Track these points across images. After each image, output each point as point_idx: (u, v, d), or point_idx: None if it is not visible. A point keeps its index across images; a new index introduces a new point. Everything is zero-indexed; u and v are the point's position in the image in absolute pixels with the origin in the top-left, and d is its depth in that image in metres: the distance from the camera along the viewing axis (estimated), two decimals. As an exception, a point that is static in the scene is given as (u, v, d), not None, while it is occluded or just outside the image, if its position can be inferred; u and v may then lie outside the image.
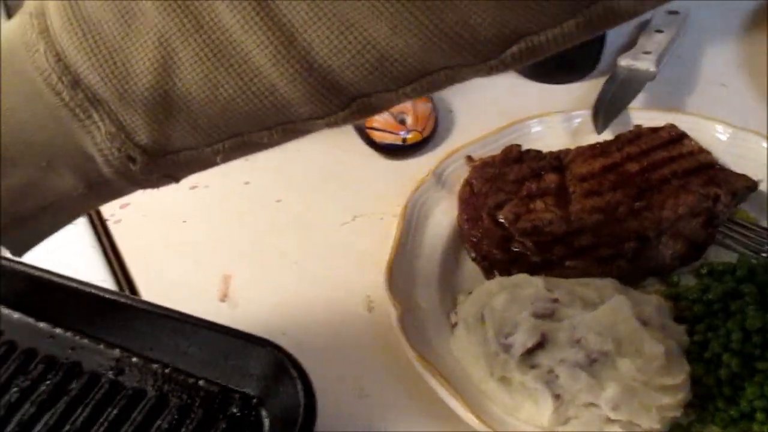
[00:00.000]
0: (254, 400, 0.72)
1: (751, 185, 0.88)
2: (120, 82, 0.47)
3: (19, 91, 0.49)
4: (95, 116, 0.48)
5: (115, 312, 0.76)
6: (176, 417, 0.72)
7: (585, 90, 1.05)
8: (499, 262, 0.82)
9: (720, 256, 0.86)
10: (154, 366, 0.75)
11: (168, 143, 0.49)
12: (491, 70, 0.46)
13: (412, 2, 0.42)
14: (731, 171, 0.90)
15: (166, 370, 0.75)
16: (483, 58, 0.45)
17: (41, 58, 0.48)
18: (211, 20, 0.45)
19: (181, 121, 0.48)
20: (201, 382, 0.74)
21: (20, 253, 0.57)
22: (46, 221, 0.55)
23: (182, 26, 0.45)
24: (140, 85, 0.47)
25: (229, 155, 0.51)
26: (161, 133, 0.49)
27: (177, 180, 0.54)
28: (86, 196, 0.53)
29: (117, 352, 0.76)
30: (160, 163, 0.51)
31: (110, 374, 0.75)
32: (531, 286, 0.77)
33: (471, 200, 0.87)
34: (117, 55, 0.47)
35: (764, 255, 0.85)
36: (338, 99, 0.47)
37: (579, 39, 0.44)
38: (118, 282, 0.88)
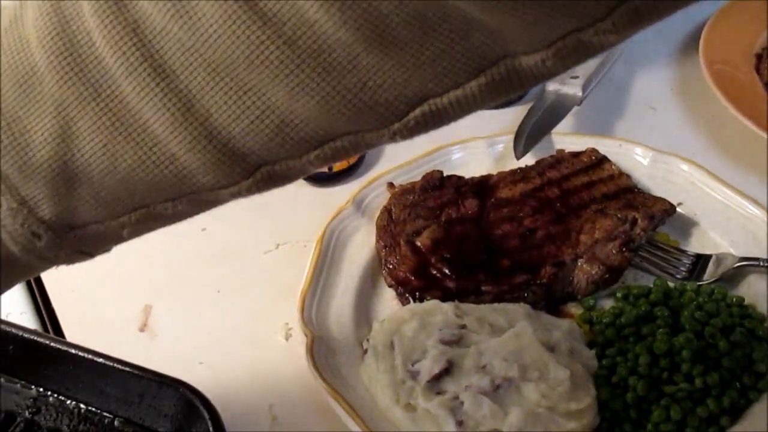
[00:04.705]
0: None
1: (669, 209, 0.88)
2: (19, 154, 0.45)
3: None
4: None
5: (32, 351, 0.77)
6: (90, 457, 0.72)
7: (517, 115, 1.05)
8: (414, 288, 0.83)
9: (639, 279, 0.87)
10: (71, 405, 0.76)
11: (72, 217, 0.47)
12: (395, 136, 0.44)
13: (309, 64, 0.41)
14: (649, 195, 0.90)
15: (82, 410, 0.75)
16: (385, 122, 0.43)
17: None
18: (109, 88, 0.44)
19: (83, 193, 0.46)
20: (116, 422, 0.74)
21: None
22: None
23: (80, 95, 0.44)
24: (39, 157, 0.45)
25: (136, 229, 0.49)
26: (64, 207, 0.47)
27: (92, 255, 0.51)
28: None
29: (34, 391, 0.77)
30: (67, 239, 0.48)
31: (27, 413, 0.76)
32: (441, 312, 0.78)
33: (389, 227, 0.88)
34: (15, 126, 0.45)
35: (679, 278, 0.85)
36: (241, 167, 0.45)
37: (485, 102, 0.42)
38: (39, 313, 0.88)
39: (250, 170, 0.45)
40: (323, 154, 0.45)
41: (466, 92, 0.42)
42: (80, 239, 0.49)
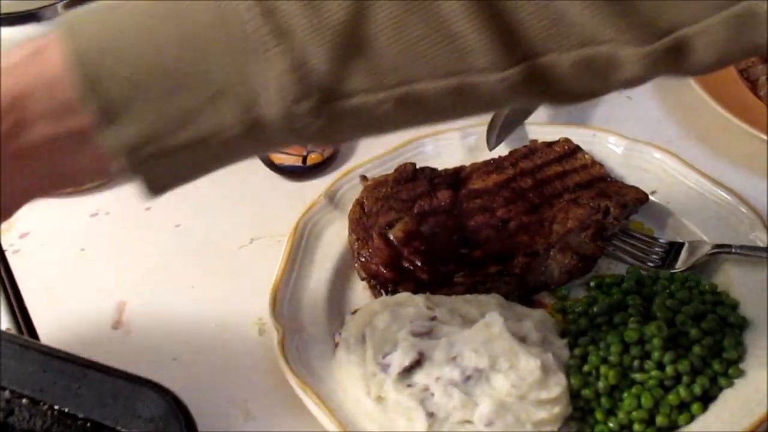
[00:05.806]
0: None
1: (642, 197, 0.88)
2: (315, 14, 0.49)
3: (205, 19, 0.50)
4: (281, 47, 0.49)
5: (5, 353, 0.76)
6: (63, 459, 0.72)
7: (493, 106, 1.05)
8: (387, 281, 0.83)
9: (612, 268, 0.87)
10: (44, 407, 0.75)
11: (343, 84, 0.50)
12: (644, 59, 0.50)
13: None
14: (622, 183, 0.90)
15: (56, 412, 0.75)
16: (641, 41, 0.50)
17: None
18: None
19: (362, 60, 0.50)
20: (89, 424, 0.74)
21: (156, 193, 0.54)
22: (191, 160, 0.53)
23: None
24: (334, 19, 0.49)
25: (393, 109, 0.52)
26: (340, 72, 0.50)
27: (333, 142, 0.57)
28: (239, 138, 0.51)
29: (7, 393, 0.76)
30: (328, 109, 0.51)
31: None
32: (412, 304, 0.78)
33: (361, 220, 0.87)
34: None
35: (652, 266, 0.85)
36: (513, 52, 0.50)
37: (723, 42, 0.50)
38: (12, 312, 0.87)
39: (519, 59, 0.51)
40: (580, 57, 0.51)
41: (707, 25, 0.49)
42: (339, 112, 0.51)
